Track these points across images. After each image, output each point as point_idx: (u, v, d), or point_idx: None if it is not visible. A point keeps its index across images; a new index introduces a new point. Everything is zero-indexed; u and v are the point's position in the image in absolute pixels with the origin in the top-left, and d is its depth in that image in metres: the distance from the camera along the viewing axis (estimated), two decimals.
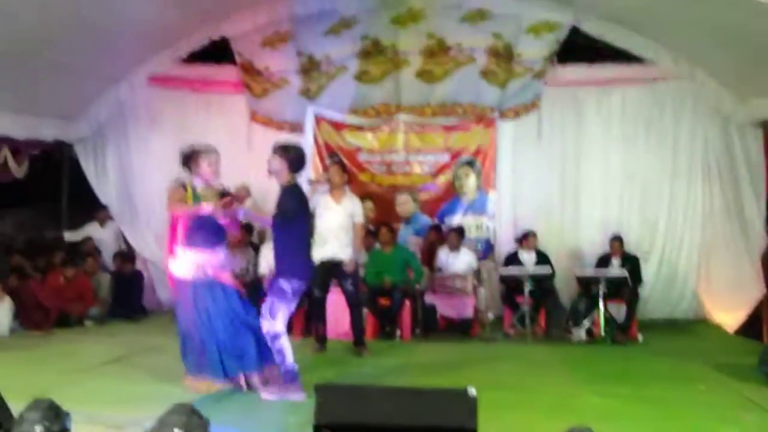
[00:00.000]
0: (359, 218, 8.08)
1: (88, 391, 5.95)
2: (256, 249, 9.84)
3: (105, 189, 11.14)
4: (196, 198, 6.12)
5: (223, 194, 6.06)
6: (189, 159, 6.26)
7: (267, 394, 5.89)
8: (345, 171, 8.35)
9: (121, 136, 11.14)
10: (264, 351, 6.03)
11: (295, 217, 6.02)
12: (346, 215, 7.88)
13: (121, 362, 7.24)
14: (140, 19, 9.31)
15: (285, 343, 5.90)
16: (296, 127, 11.00)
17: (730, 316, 10.08)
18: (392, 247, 9.47)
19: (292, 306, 6.04)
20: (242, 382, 6.01)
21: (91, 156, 11.09)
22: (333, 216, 7.79)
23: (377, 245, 9.57)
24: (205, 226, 6.06)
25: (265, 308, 5.92)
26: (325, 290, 7.98)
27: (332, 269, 7.80)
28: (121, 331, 9.40)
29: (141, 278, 10.72)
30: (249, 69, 10.93)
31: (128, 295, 10.42)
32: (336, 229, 7.76)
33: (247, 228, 10.05)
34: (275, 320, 5.88)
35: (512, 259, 9.87)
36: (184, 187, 6.14)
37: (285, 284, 5.93)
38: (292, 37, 10.71)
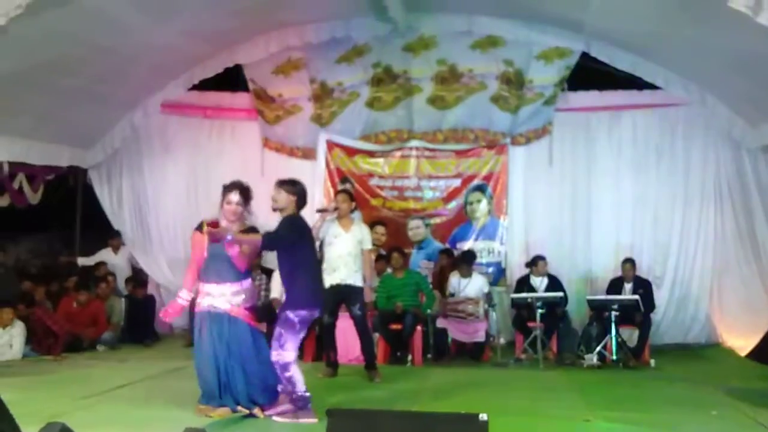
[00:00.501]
0: (368, 245, 8.09)
1: (101, 415, 5.96)
2: (269, 273, 9.88)
3: (118, 214, 11.26)
4: None
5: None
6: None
7: (280, 418, 5.89)
8: (353, 199, 8.36)
9: (134, 162, 11.26)
10: (254, 392, 6.00)
11: (294, 245, 5.99)
12: (354, 242, 7.89)
13: (133, 387, 7.27)
14: (155, 46, 9.45)
15: (295, 372, 5.89)
16: (308, 153, 11.10)
17: (742, 341, 10.06)
18: (404, 271, 9.50)
19: (301, 335, 6.05)
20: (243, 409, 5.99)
21: (105, 182, 11.22)
22: (341, 243, 7.81)
23: (389, 270, 9.59)
24: (215, 261, 6.07)
25: (274, 338, 5.93)
26: (334, 316, 7.99)
27: (341, 295, 7.82)
28: (133, 356, 9.44)
29: (153, 303, 10.78)
30: (262, 96, 11.05)
31: (140, 320, 10.48)
32: (345, 256, 7.78)
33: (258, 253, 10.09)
34: (284, 350, 5.87)
35: (524, 283, 9.89)
36: (200, 228, 6.11)
37: (292, 315, 5.92)
38: (305, 64, 10.83)
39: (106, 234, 11.25)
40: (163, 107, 11.22)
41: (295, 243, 5.99)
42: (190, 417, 5.68)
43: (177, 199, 11.28)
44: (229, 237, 5.74)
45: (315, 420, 5.68)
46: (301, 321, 5.94)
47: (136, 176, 11.32)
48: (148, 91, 11.00)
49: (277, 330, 5.91)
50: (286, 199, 6.02)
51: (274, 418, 5.88)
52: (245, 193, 6.12)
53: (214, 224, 5.96)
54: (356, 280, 7.86)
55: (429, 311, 9.34)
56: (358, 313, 7.92)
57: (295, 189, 6.10)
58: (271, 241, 5.91)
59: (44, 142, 9.89)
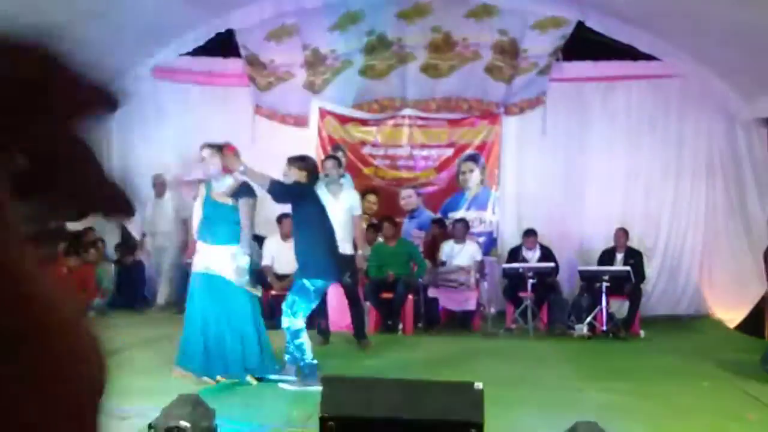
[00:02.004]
0: (357, 211, 8.11)
1: None
2: (260, 241, 9.84)
3: None
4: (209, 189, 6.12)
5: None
6: None
7: (285, 385, 5.92)
8: (341, 165, 8.37)
9: (126, 129, 11.12)
10: (251, 360, 6.01)
11: (311, 213, 6.12)
12: (343, 210, 7.86)
13: (124, 353, 7.23)
14: (146, 11, 9.32)
15: (305, 340, 5.98)
16: (300, 121, 11.02)
17: (732, 313, 10.12)
18: (396, 240, 9.49)
19: (314, 304, 6.13)
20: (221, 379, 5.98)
21: (96, 150, 11.09)
22: (331, 211, 7.77)
23: (380, 239, 9.57)
24: (211, 220, 6.05)
25: (286, 305, 5.97)
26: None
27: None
28: (123, 322, 9.39)
29: (143, 269, 10.73)
30: (254, 62, 10.93)
31: (130, 286, 10.44)
32: (334, 223, 7.75)
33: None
34: (297, 318, 5.95)
35: (515, 254, 9.90)
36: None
37: (308, 284, 6.01)
38: (298, 30, 10.71)
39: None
40: (154, 73, 11.09)
41: (308, 205, 6.10)
42: (182, 384, 5.66)
43: (168, 165, 11.18)
44: (241, 168, 5.76)
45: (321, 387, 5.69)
46: (317, 290, 6.04)
47: (127, 141, 11.19)
48: (138, 56, 10.86)
49: (291, 297, 5.98)
50: (297, 175, 6.08)
51: (281, 385, 5.90)
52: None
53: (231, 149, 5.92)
54: (346, 248, 7.83)
55: (420, 279, 9.34)
56: (348, 281, 7.93)
57: (306, 164, 6.17)
58: (278, 186, 5.95)
59: None
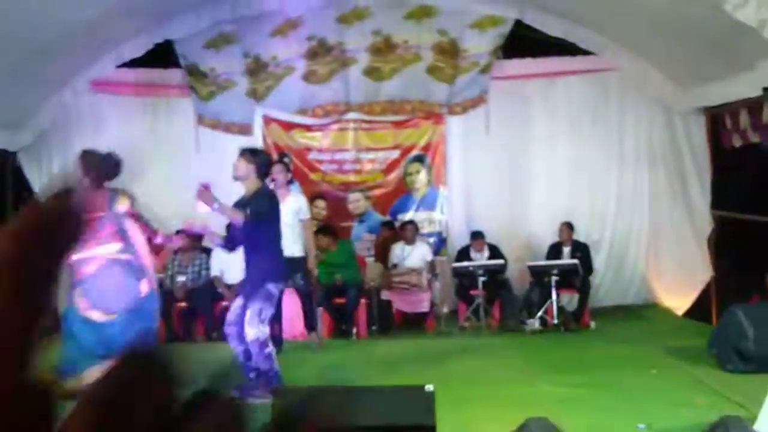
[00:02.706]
0: (305, 214, 8.19)
1: None
2: (208, 252, 9.76)
3: None
4: None
5: None
6: None
7: (253, 399, 5.85)
8: (289, 170, 8.43)
9: (66, 142, 10.92)
10: None
11: (270, 219, 6.03)
12: (291, 213, 7.91)
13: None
14: (82, 23, 9.15)
15: (272, 348, 5.94)
16: (245, 129, 10.93)
17: (679, 300, 10.33)
18: (335, 244, 9.43)
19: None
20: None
21: (35, 164, 10.87)
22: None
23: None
24: None
25: (252, 315, 5.84)
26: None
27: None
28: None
29: None
30: (194, 72, 10.82)
31: None
32: (282, 227, 7.74)
33: (197, 235, 9.97)
34: (264, 326, 5.89)
35: (465, 253, 9.95)
36: None
37: (273, 289, 5.97)
38: (238, 38, 10.61)
39: None
40: (92, 86, 10.91)
41: (269, 216, 6.02)
42: None
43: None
44: (216, 206, 5.71)
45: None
46: (279, 294, 6.07)
47: (69, 157, 11.00)
48: (76, 69, 10.65)
49: (257, 306, 5.86)
50: (245, 167, 6.00)
51: (249, 399, 5.82)
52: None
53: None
54: (294, 251, 7.90)
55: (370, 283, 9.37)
56: (301, 283, 8.11)
57: (255, 158, 6.07)
58: (257, 219, 5.88)
59: None
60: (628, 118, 10.71)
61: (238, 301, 6.08)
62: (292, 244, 7.86)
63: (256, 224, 5.93)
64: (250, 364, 6.05)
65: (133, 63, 10.80)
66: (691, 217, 10.34)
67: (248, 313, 5.88)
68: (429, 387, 3.76)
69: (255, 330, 5.83)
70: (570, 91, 10.81)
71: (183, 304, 9.33)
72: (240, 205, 6.05)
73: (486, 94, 10.84)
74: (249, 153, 6.14)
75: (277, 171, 8.06)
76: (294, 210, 7.98)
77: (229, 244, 6.26)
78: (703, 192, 10.21)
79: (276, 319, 8.02)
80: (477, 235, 9.94)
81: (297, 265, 7.98)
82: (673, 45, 9.12)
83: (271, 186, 7.81)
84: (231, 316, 6.06)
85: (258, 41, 10.63)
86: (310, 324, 8.28)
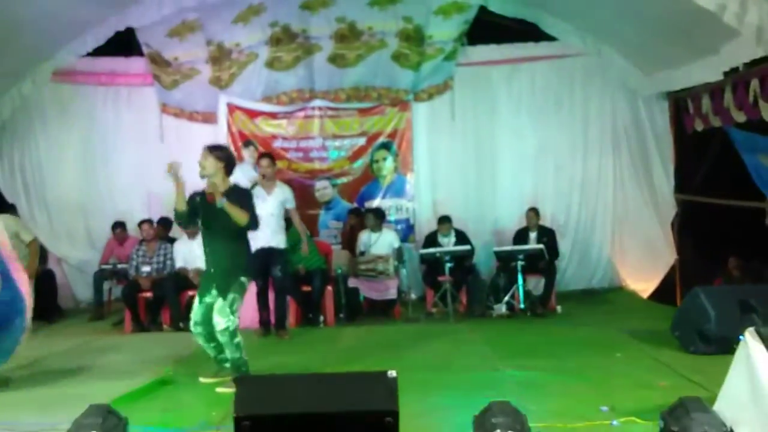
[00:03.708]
0: (291, 204, 8.29)
1: (2, 398, 5.76)
2: (172, 242, 9.70)
3: (12, 187, 10.76)
4: None
5: None
6: None
7: (223, 388, 5.85)
8: (275, 162, 8.52)
9: (27, 133, 10.79)
10: None
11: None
12: (277, 204, 8.05)
13: (35, 365, 7.02)
14: (42, 12, 8.99)
15: (240, 338, 5.98)
16: (209, 117, 10.85)
17: (644, 283, 10.44)
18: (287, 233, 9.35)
19: None
20: None
21: None
22: (265, 207, 7.78)
23: None
24: None
25: (226, 305, 5.85)
26: (266, 279, 8.15)
27: (265, 257, 7.87)
28: (34, 333, 9.11)
29: (53, 278, 10.41)
30: (157, 60, 10.70)
31: (41, 296, 10.08)
32: (267, 217, 7.74)
33: (165, 223, 9.91)
34: (235, 316, 5.92)
35: (431, 239, 9.97)
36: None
37: (245, 281, 6.03)
38: (200, 25, 10.48)
39: None
40: (54, 76, 10.73)
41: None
42: (95, 393, 5.53)
43: (74, 170, 10.90)
44: (223, 200, 5.79)
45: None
46: (259, 284, 6.16)
47: (30, 148, 10.83)
48: (37, 59, 10.48)
49: (231, 296, 5.88)
50: (214, 164, 5.96)
51: (219, 390, 5.81)
52: None
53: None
54: (278, 242, 8.06)
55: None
56: (279, 275, 8.15)
57: (223, 154, 6.06)
58: (255, 217, 6.09)
59: None
60: (592, 104, 10.78)
61: (200, 302, 6.05)
62: (275, 235, 8.00)
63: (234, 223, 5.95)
64: (222, 357, 6.11)
65: (96, 52, 10.66)
66: (655, 200, 10.43)
67: (219, 302, 5.88)
68: (392, 373, 3.75)
69: (225, 320, 5.84)
70: (534, 77, 10.86)
71: (148, 294, 9.26)
72: (205, 205, 6.04)
73: (451, 81, 10.86)
74: (217, 149, 6.10)
75: (265, 165, 8.21)
76: (280, 200, 8.11)
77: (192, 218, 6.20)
78: (667, 176, 10.31)
79: (264, 307, 8.26)
80: (444, 219, 9.96)
81: (278, 256, 8.08)
82: (636, 30, 9.17)
83: (260, 180, 7.90)
84: (198, 315, 6.04)
85: (221, 28, 10.52)
86: (280, 320, 8.27)
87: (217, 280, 5.96)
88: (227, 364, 6.08)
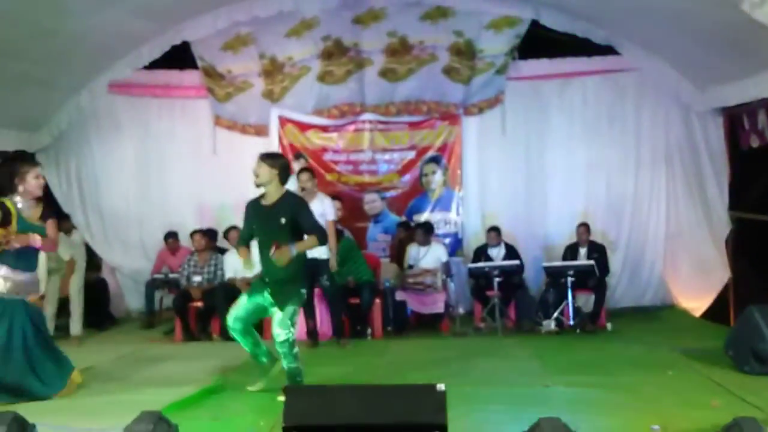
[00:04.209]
0: (331, 216, 8.36)
1: (54, 403, 5.86)
2: (222, 253, 9.81)
3: (68, 197, 11.00)
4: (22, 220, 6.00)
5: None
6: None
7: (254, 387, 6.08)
8: (314, 176, 8.61)
9: (83, 144, 11.02)
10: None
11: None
12: (317, 216, 7.94)
13: (87, 372, 7.14)
14: (99, 26, 9.22)
15: (297, 348, 6.06)
16: (261, 130, 10.98)
17: (696, 302, 10.24)
18: (338, 245, 9.37)
19: None
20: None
21: (53, 165, 10.95)
22: None
23: None
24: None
25: (285, 317, 5.90)
26: (312, 289, 8.22)
27: (311, 268, 7.87)
28: (89, 340, 9.32)
29: (106, 286, 10.61)
30: (211, 73, 10.87)
31: (94, 304, 10.29)
32: None
33: (211, 234, 10.04)
34: (294, 328, 6.01)
35: (481, 253, 9.94)
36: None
37: (304, 293, 6.12)
38: (254, 39, 10.65)
39: (56, 218, 10.99)
40: (110, 88, 10.96)
41: None
42: (145, 400, 5.61)
43: (129, 181, 11.10)
44: (293, 248, 5.87)
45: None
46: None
47: (86, 159, 11.08)
48: (94, 72, 10.73)
49: (291, 308, 5.93)
50: (268, 173, 5.99)
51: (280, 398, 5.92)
52: None
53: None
54: (321, 253, 8.08)
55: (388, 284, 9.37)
56: (326, 284, 8.32)
57: (277, 163, 6.08)
58: (323, 235, 6.19)
59: None
60: (644, 119, 10.65)
61: (251, 300, 6.08)
62: (318, 247, 7.96)
63: (293, 231, 5.98)
64: (258, 351, 6.19)
65: (151, 65, 10.87)
66: (708, 218, 10.23)
67: (279, 314, 5.91)
68: (441, 386, 3.75)
69: (286, 332, 5.88)
70: (586, 92, 10.78)
71: (199, 303, 9.38)
72: (259, 212, 6.09)
73: (502, 95, 10.83)
74: (270, 158, 6.13)
75: (305, 179, 8.33)
76: (320, 213, 8.03)
77: (246, 239, 6.30)
78: (721, 193, 10.09)
79: (311, 316, 8.37)
80: (493, 229, 9.95)
81: (322, 267, 8.21)
82: (691, 45, 9.05)
83: (301, 194, 7.98)
84: (241, 311, 6.08)
85: (274, 42, 10.66)
86: (337, 327, 8.51)
87: (275, 290, 5.97)
88: (264, 359, 6.18)
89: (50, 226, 6.20)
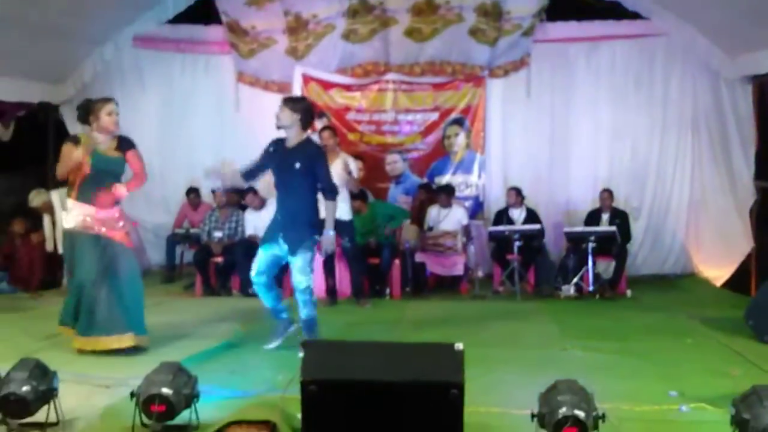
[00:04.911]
0: (354, 172, 8.42)
1: (75, 352, 5.93)
2: (244, 210, 9.83)
3: None
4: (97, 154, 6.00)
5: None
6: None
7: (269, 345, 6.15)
8: (336, 134, 8.59)
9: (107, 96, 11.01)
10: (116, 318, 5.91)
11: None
12: (338, 175, 7.96)
13: None
14: None
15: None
16: (284, 87, 10.90)
17: (718, 271, 10.18)
18: (366, 208, 9.38)
19: None
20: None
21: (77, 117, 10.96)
22: None
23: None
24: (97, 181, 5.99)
25: (305, 265, 5.98)
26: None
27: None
28: None
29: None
30: (235, 29, 10.81)
31: None
32: None
33: (239, 191, 10.05)
34: (312, 274, 6.09)
35: (502, 216, 9.90)
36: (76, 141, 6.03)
37: (317, 240, 6.15)
38: None
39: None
40: (134, 41, 10.95)
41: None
42: (164, 352, 5.68)
43: (152, 135, 11.06)
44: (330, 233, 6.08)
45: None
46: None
47: None
48: (119, 24, 10.71)
49: (308, 255, 6.00)
50: (289, 116, 6.00)
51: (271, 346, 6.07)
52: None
53: None
54: (343, 214, 8.05)
55: (395, 225, 9.43)
56: (347, 245, 8.35)
57: (298, 106, 6.09)
58: (334, 193, 6.20)
59: (14, 78, 9.68)
60: (672, 85, 10.48)
61: (266, 251, 6.11)
62: (340, 205, 7.94)
63: (307, 176, 6.00)
64: (280, 307, 6.24)
65: (175, 19, 10.83)
66: (733, 187, 10.12)
67: (298, 261, 5.96)
68: (459, 345, 3.73)
69: (306, 278, 6.00)
70: (614, 56, 10.61)
71: (219, 259, 9.43)
72: (279, 153, 6.08)
73: (528, 57, 10.70)
74: (292, 102, 6.15)
75: (327, 137, 8.31)
76: (340, 172, 8.07)
77: (249, 176, 6.31)
78: (747, 162, 9.96)
79: (330, 275, 8.43)
80: (514, 189, 9.92)
81: (344, 227, 8.18)
82: (722, 11, 8.90)
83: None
84: (262, 265, 6.10)
85: None
86: (357, 287, 8.53)
87: (289, 233, 6.00)
88: (284, 315, 6.25)
89: (132, 157, 6.17)
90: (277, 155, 6.11)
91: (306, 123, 6.07)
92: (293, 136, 6.04)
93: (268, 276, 6.12)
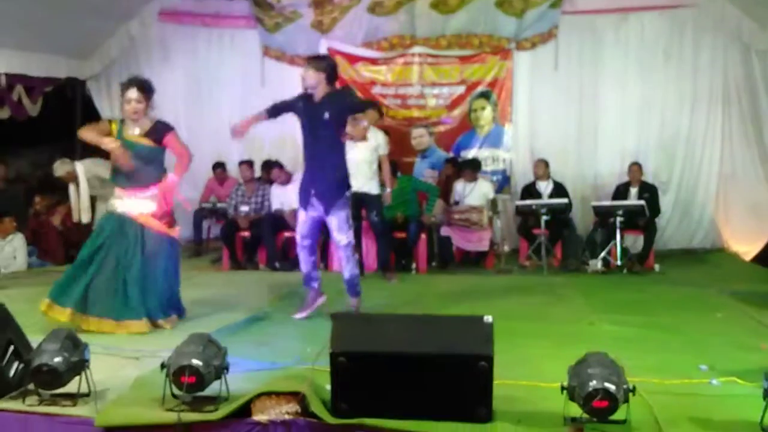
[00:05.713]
0: (384, 150, 8.30)
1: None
2: (271, 184, 9.85)
3: None
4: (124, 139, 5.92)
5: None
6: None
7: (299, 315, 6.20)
8: (381, 115, 8.59)
9: (134, 72, 10.97)
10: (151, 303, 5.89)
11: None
12: (370, 150, 8.05)
13: None
14: None
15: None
16: None
17: (747, 245, 10.09)
18: (395, 181, 9.34)
19: None
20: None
21: (104, 92, 11.04)
22: (358, 151, 7.81)
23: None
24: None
25: (343, 222, 6.04)
26: (359, 221, 8.30)
27: (359, 202, 7.89)
28: None
29: None
30: (260, 3, 10.79)
31: None
32: (360, 163, 7.82)
33: (266, 165, 10.07)
34: (350, 231, 6.14)
35: (529, 189, 9.84)
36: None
37: (349, 197, 6.18)
38: None
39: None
40: (160, 16, 10.97)
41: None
42: (193, 325, 5.71)
43: (178, 110, 11.11)
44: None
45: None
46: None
47: None
48: (145, 0, 10.74)
49: (343, 213, 6.04)
50: (315, 76, 5.97)
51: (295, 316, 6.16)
52: (144, 88, 5.95)
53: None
54: (372, 188, 8.11)
55: (432, 217, 9.29)
56: (375, 220, 8.32)
57: (322, 64, 6.06)
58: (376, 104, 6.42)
59: (41, 53, 9.75)
60: (702, 56, 10.34)
61: (307, 214, 6.15)
62: (369, 181, 8.04)
63: (337, 126, 6.02)
64: (314, 275, 6.28)
65: None
66: (764, 160, 10.00)
67: (336, 220, 6.02)
68: (488, 318, 3.73)
69: (346, 235, 6.08)
70: (642, 27, 10.48)
71: (246, 233, 9.46)
72: (307, 106, 6.06)
73: (555, 29, 10.58)
74: (316, 60, 6.12)
75: (372, 115, 8.11)
76: (373, 146, 8.08)
77: (272, 112, 6.27)
78: None
79: (357, 249, 8.28)
80: (541, 162, 9.88)
81: (373, 202, 8.18)
82: None
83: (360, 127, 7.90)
84: (305, 229, 6.17)
85: None
86: (383, 262, 8.54)
87: (321, 188, 6.03)
88: (315, 284, 6.29)
89: (170, 141, 6.09)
90: (305, 110, 6.08)
91: (331, 79, 6.04)
92: (320, 91, 6.01)
93: (311, 240, 6.22)
